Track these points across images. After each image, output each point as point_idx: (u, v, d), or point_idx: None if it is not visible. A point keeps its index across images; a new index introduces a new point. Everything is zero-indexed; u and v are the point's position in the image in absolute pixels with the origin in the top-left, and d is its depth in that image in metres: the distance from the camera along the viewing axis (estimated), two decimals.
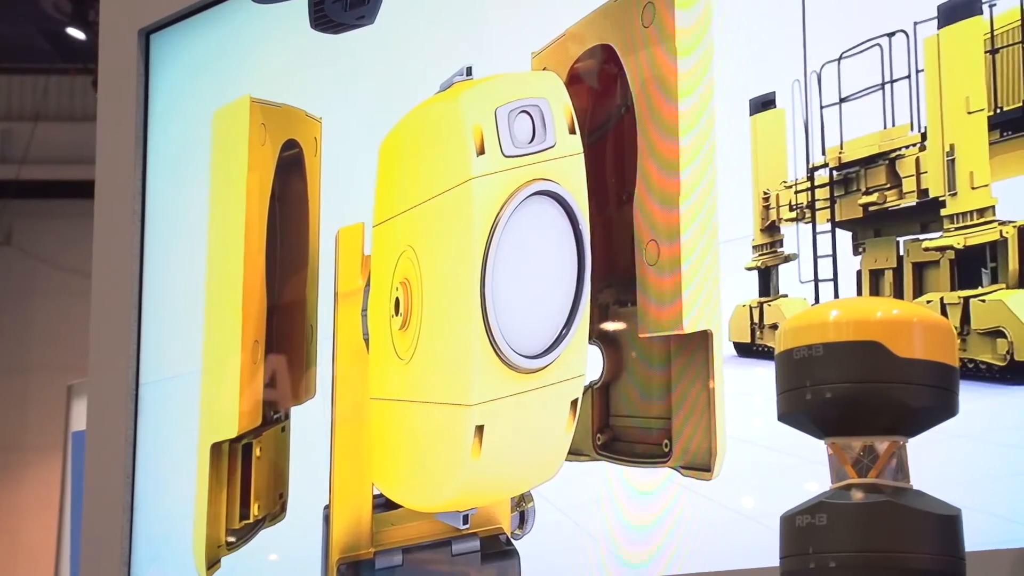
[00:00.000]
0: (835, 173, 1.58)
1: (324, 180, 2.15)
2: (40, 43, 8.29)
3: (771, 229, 1.62)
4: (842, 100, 1.58)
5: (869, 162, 1.55)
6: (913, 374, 1.11)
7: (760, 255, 1.63)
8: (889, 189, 1.53)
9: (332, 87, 2.18)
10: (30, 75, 9.16)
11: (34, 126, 9.00)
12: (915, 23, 1.52)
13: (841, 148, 1.58)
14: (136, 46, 2.46)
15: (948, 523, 1.11)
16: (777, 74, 1.64)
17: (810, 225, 1.59)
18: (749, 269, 1.64)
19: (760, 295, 1.63)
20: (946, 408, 1.14)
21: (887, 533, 1.09)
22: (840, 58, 1.59)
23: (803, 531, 1.11)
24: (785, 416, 1.16)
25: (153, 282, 2.40)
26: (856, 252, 1.55)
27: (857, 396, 1.11)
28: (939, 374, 1.12)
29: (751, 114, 1.66)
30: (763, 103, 1.65)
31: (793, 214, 1.60)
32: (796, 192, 1.60)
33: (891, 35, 1.54)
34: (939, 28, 1.51)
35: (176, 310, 2.36)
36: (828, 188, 1.58)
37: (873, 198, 1.53)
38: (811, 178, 1.59)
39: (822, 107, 1.60)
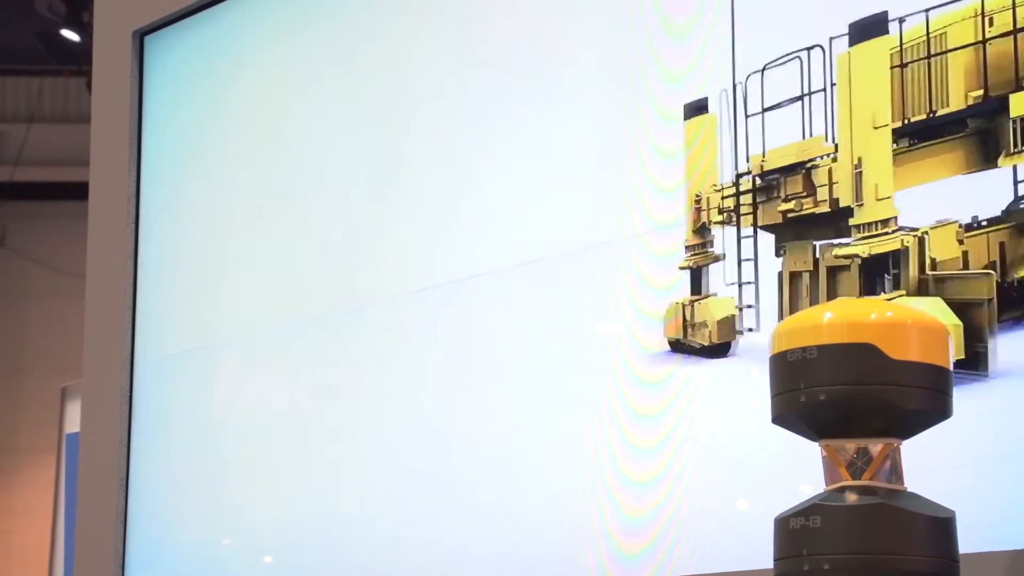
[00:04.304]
0: (758, 180, 1.66)
1: (323, 179, 2.15)
2: (34, 44, 8.27)
3: (702, 230, 1.70)
4: (764, 110, 1.67)
5: (788, 171, 1.64)
6: (907, 376, 1.11)
7: (692, 255, 1.70)
8: (805, 197, 1.61)
9: (327, 87, 2.18)
10: (24, 76, 9.14)
11: (28, 128, 8.98)
12: (830, 38, 1.60)
13: (764, 157, 1.66)
14: (130, 48, 2.46)
15: (942, 525, 1.11)
16: (714, 80, 1.71)
17: (739, 228, 1.68)
18: (682, 268, 1.71)
19: (692, 294, 1.70)
20: (940, 410, 1.14)
21: (881, 535, 1.09)
22: (763, 69, 1.66)
23: (797, 533, 1.11)
24: (779, 418, 1.16)
25: (147, 283, 2.39)
26: (778, 254, 1.63)
27: (851, 398, 1.11)
28: (933, 376, 1.12)
29: (685, 118, 1.73)
30: (696, 108, 1.73)
31: (722, 217, 1.68)
32: (723, 198, 1.69)
33: (809, 49, 1.62)
34: (850, 46, 1.59)
35: (171, 311, 2.36)
36: (751, 195, 1.67)
37: (791, 205, 1.62)
38: (736, 184, 1.68)
39: (747, 116, 1.67)
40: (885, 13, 1.57)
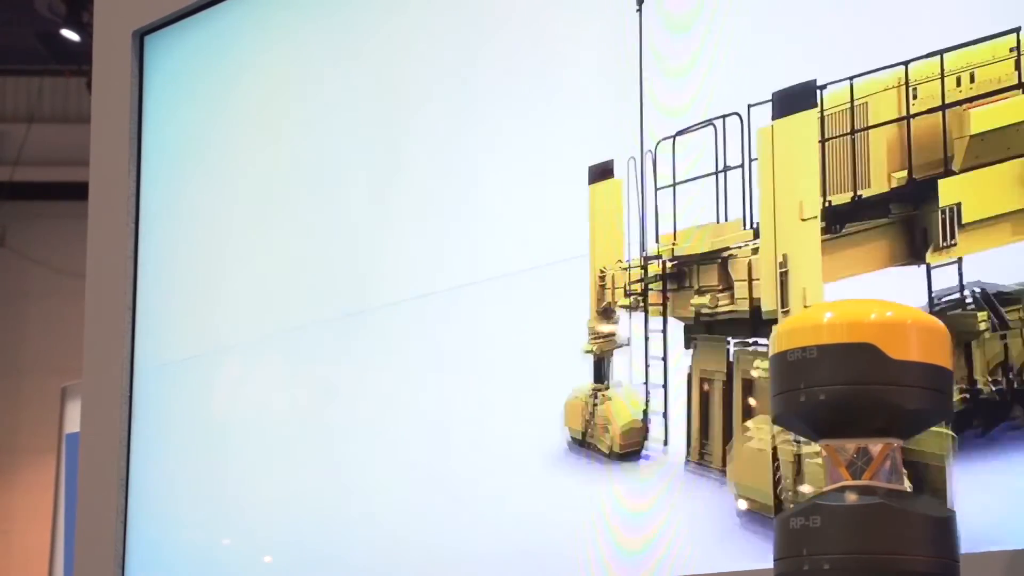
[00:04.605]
0: (668, 265, 1.48)
1: (323, 180, 2.15)
2: (34, 44, 8.28)
3: (607, 312, 1.53)
4: (676, 183, 1.48)
5: (702, 258, 1.45)
6: (907, 376, 1.11)
7: (595, 339, 1.55)
8: (721, 292, 1.43)
9: (328, 87, 2.18)
10: (24, 76, 9.15)
11: (28, 127, 8.98)
12: (748, 105, 1.43)
13: (674, 238, 1.48)
14: (130, 48, 2.46)
15: (942, 525, 1.11)
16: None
17: (646, 323, 1.50)
18: (586, 352, 1.56)
19: (595, 382, 1.56)
20: (940, 410, 1.14)
21: (881, 535, 1.09)
22: (675, 136, 1.50)
23: (797, 533, 1.11)
24: (779, 418, 1.16)
25: (147, 284, 2.40)
26: (688, 346, 1.46)
27: (851, 398, 1.11)
28: (933, 376, 1.12)
29: (590, 182, 1.57)
30: (601, 172, 1.56)
31: (628, 301, 1.51)
32: (630, 282, 1.51)
33: (725, 117, 1.45)
34: (774, 119, 1.40)
35: (171, 311, 2.36)
36: (661, 281, 1.48)
37: (705, 300, 1.44)
38: (644, 268, 1.50)
39: (656, 189, 1.51)
40: (813, 82, 1.37)
